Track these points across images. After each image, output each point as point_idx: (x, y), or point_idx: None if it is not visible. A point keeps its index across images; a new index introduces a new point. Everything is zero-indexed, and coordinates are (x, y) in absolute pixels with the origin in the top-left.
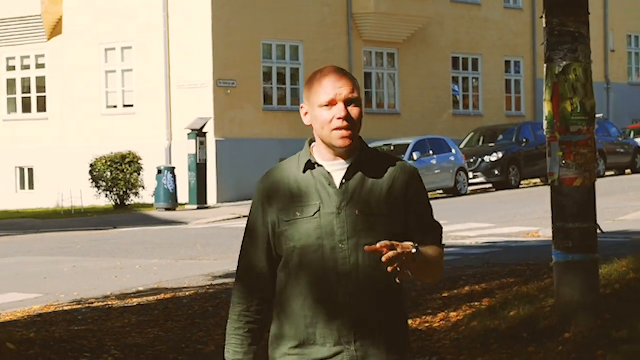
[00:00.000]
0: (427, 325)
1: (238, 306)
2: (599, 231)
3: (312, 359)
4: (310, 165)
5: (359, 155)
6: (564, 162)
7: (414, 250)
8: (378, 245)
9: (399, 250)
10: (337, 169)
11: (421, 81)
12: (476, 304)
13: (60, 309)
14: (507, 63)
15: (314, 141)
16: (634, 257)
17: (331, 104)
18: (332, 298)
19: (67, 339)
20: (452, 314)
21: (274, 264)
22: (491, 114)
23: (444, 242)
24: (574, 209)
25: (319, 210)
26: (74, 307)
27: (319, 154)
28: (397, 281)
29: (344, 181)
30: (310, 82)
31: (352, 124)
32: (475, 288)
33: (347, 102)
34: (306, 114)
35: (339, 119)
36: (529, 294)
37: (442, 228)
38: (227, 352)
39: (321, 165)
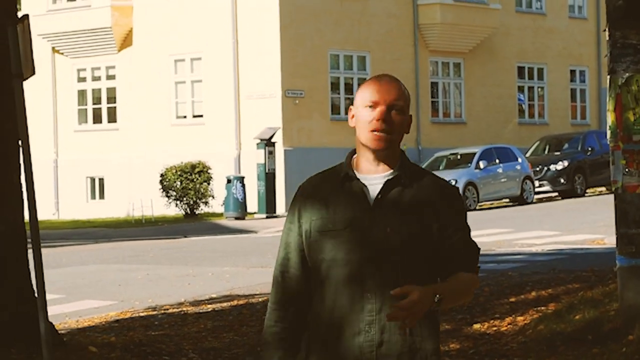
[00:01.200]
0: (495, 329)
1: (275, 312)
2: None
3: None
4: (348, 177)
5: (398, 169)
6: (626, 170)
7: (436, 298)
8: (398, 290)
9: (408, 305)
10: (375, 182)
11: (487, 90)
12: (542, 308)
13: (137, 315)
14: (572, 72)
15: (355, 153)
16: None
17: (374, 105)
18: (357, 314)
19: (146, 343)
20: (519, 318)
21: (308, 271)
22: (556, 122)
23: (479, 264)
24: (637, 215)
25: (350, 224)
26: (150, 313)
27: (359, 165)
28: (429, 341)
29: (379, 196)
30: (362, 84)
31: (390, 129)
32: (541, 293)
33: (390, 107)
34: (352, 116)
35: (377, 120)
36: (593, 299)
37: (479, 250)
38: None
39: (358, 179)
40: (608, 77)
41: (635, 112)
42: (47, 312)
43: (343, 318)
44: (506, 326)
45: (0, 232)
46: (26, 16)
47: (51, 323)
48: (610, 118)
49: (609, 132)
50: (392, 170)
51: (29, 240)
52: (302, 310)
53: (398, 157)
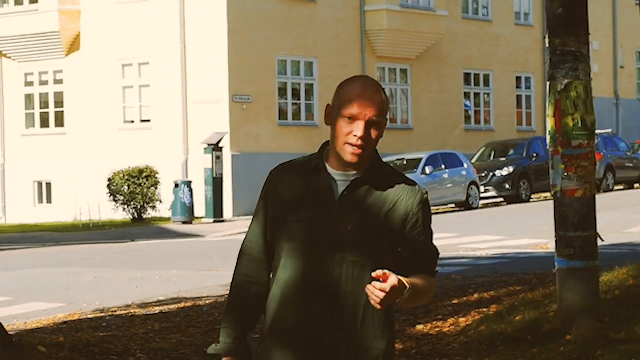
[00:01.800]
0: (437, 330)
1: (244, 281)
2: (599, 239)
3: None
4: (319, 169)
5: (369, 169)
6: (566, 174)
7: (406, 289)
8: (380, 272)
9: (389, 288)
10: (344, 179)
11: (434, 97)
12: (484, 310)
13: (85, 317)
14: (518, 79)
15: (328, 145)
16: (634, 266)
17: (353, 119)
18: (309, 307)
19: (95, 343)
20: (462, 320)
21: (271, 256)
22: (502, 129)
23: (438, 268)
24: (575, 219)
25: (313, 217)
26: (98, 315)
27: (331, 160)
28: (379, 307)
29: (345, 193)
30: (343, 88)
31: (366, 144)
32: (483, 295)
33: (369, 123)
34: (328, 115)
35: (355, 136)
36: (534, 300)
37: (438, 254)
38: (223, 336)
39: (329, 174)
40: (548, 83)
41: (574, 118)
42: None
43: (299, 309)
44: (448, 327)
45: None
46: None
47: (0, 323)
48: (549, 123)
49: (548, 137)
50: (362, 169)
51: None
52: (264, 290)
53: (370, 157)
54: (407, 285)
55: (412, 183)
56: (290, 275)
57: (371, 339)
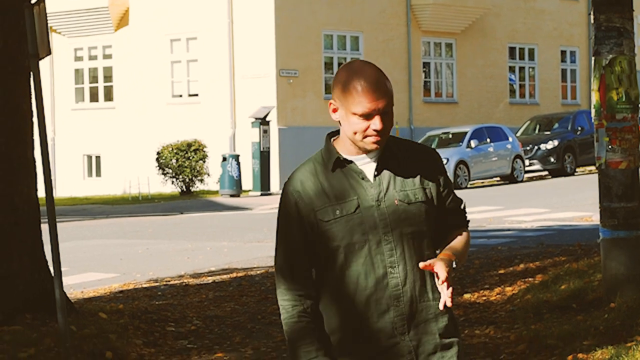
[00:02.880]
0: (484, 298)
1: (295, 308)
2: None
3: (367, 355)
4: (340, 162)
5: (385, 146)
6: (610, 146)
7: (453, 265)
8: (422, 265)
9: (444, 276)
10: (366, 162)
11: (478, 71)
12: (530, 279)
13: (140, 286)
14: (563, 53)
15: (332, 135)
16: None
17: (366, 116)
18: (383, 291)
19: (152, 311)
20: (508, 289)
21: (313, 264)
22: (547, 102)
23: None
24: (619, 190)
25: (359, 206)
26: (152, 284)
27: (345, 148)
28: (445, 305)
29: (376, 173)
30: (345, 84)
31: (384, 132)
32: (529, 266)
33: (382, 113)
34: (335, 110)
35: (374, 130)
36: (579, 270)
37: (464, 202)
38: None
39: (351, 161)
40: (593, 58)
41: (619, 92)
42: (62, 280)
43: (369, 299)
44: (495, 296)
45: (15, 205)
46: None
47: (63, 291)
48: (594, 97)
49: (593, 111)
50: (380, 148)
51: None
52: (315, 302)
53: None
54: (453, 259)
55: (423, 146)
56: (355, 269)
57: (437, 304)
